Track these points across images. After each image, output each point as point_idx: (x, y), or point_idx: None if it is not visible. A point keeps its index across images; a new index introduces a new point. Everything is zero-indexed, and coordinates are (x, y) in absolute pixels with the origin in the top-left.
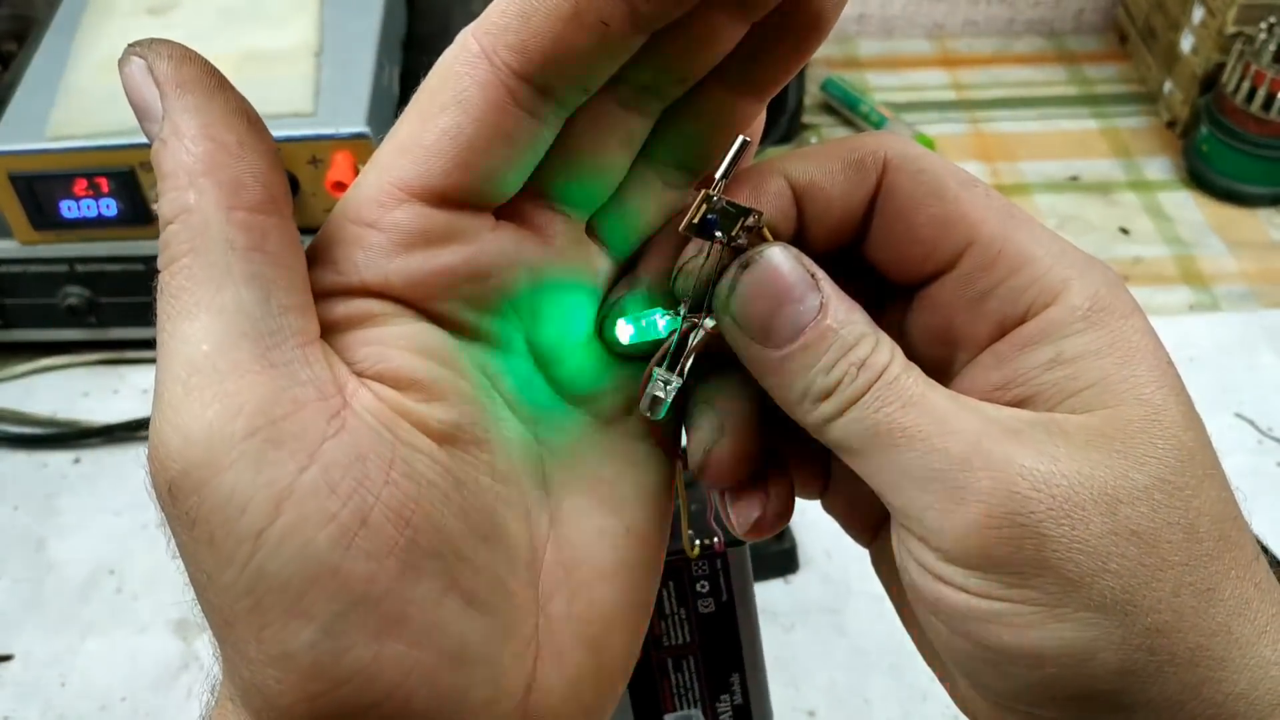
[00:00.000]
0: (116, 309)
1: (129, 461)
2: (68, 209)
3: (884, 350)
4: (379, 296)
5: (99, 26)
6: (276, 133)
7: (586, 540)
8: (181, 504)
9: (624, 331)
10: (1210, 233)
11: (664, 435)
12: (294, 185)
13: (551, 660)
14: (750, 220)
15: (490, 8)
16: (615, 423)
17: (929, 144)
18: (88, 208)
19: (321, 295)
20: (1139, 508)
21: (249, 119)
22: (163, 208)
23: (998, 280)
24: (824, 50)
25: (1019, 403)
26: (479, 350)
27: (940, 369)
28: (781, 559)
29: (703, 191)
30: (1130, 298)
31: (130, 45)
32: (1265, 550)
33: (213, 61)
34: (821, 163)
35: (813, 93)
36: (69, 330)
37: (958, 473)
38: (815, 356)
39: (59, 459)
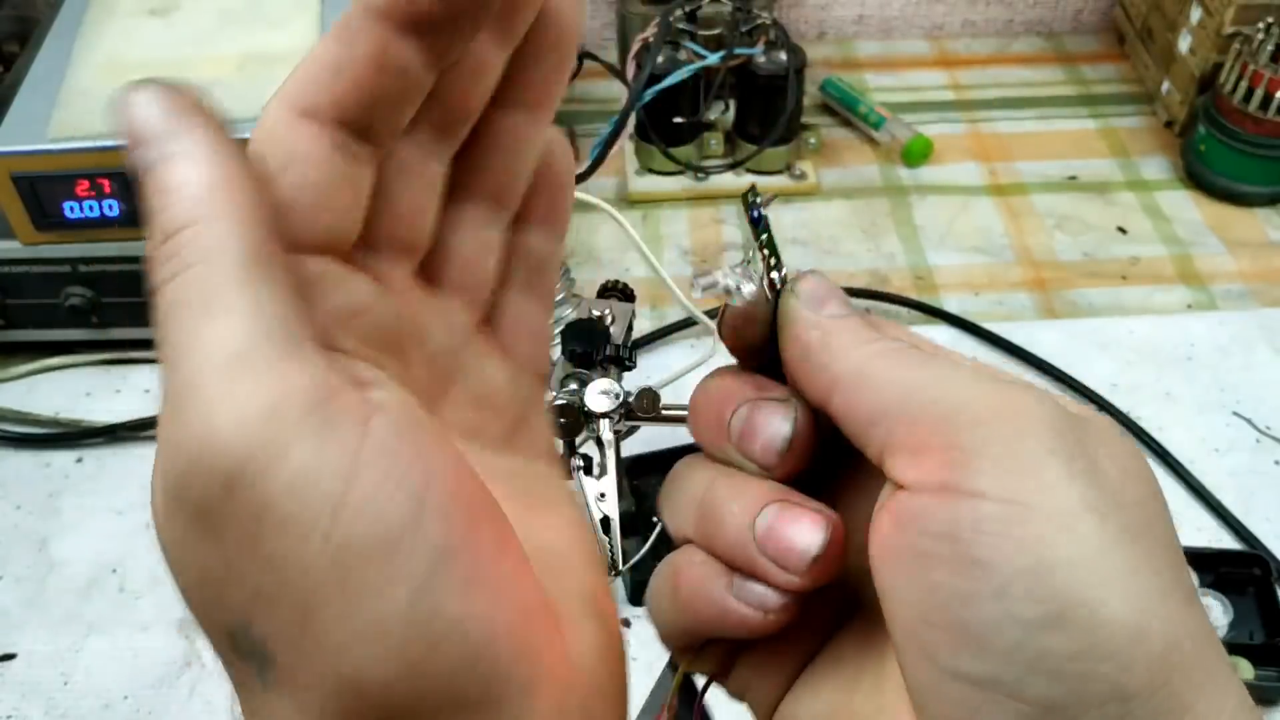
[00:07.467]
0: (119, 309)
1: (131, 461)
2: (70, 209)
3: None
4: None
5: (101, 27)
6: None
7: (547, 539)
8: (244, 494)
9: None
10: (1208, 232)
11: (538, 446)
12: None
13: (572, 630)
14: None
15: (295, 75)
16: (505, 449)
17: (927, 145)
18: (90, 208)
19: None
20: None
21: (245, 155)
22: (167, 219)
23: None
24: (823, 51)
25: None
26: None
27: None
28: None
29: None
30: None
31: (136, 82)
32: None
33: (213, 62)
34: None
35: (812, 93)
36: (71, 330)
37: None
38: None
39: (62, 458)
